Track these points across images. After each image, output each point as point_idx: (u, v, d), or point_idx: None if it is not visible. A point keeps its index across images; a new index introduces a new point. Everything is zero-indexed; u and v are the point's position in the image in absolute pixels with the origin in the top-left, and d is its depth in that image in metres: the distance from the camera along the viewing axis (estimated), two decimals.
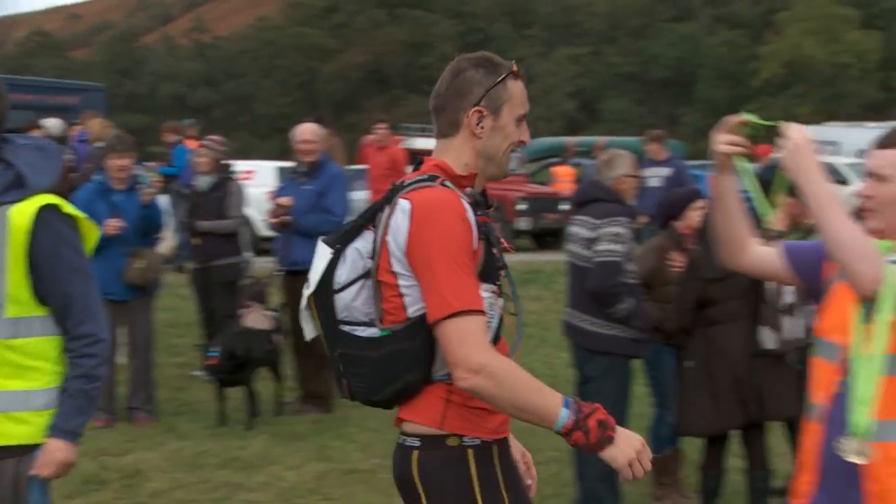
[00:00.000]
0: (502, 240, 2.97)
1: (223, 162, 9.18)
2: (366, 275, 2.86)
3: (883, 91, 61.38)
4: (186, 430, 7.94)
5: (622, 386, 6.08)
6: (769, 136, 3.15)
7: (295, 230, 8.24)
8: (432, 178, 2.84)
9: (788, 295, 5.75)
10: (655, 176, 12.74)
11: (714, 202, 3.28)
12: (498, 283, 2.90)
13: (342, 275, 2.88)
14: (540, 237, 21.70)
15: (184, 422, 8.19)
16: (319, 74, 64.38)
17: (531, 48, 69.21)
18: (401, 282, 2.80)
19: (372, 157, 15.69)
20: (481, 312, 2.73)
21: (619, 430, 2.79)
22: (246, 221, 9.96)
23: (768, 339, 5.81)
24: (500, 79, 2.89)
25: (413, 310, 2.79)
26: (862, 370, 2.96)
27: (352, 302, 2.87)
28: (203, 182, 9.12)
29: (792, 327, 5.78)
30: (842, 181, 27.98)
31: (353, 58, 63.63)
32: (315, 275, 2.91)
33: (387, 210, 2.84)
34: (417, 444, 2.85)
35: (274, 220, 8.42)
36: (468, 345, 2.68)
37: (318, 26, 67.63)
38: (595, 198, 6.12)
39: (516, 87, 2.94)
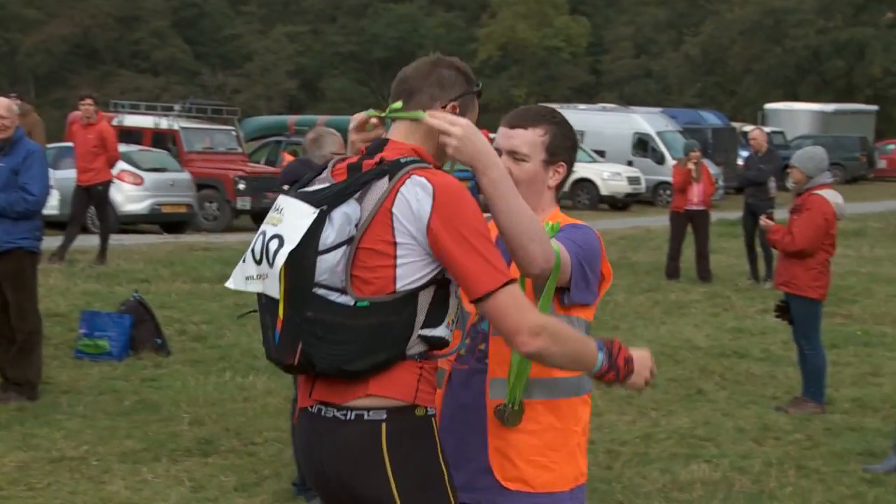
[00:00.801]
0: None
1: None
2: (349, 241, 2.83)
3: (592, 74, 64.42)
4: None
5: None
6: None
7: None
8: (425, 163, 2.92)
9: None
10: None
11: None
12: None
13: (329, 236, 2.83)
14: (261, 217, 21.51)
15: None
16: (20, 47, 61.12)
17: (248, 25, 68.26)
18: (399, 252, 2.83)
19: (78, 134, 15.10)
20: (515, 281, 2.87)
21: (634, 354, 3.03)
22: None
23: None
24: (475, 89, 3.04)
25: (403, 284, 2.83)
26: None
27: (334, 266, 2.83)
28: None
29: None
30: None
31: (58, 30, 60.69)
32: (296, 232, 2.83)
33: (383, 182, 2.85)
34: (384, 416, 2.85)
35: None
36: (525, 310, 2.82)
37: None
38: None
39: (476, 106, 3.07)
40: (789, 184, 8.87)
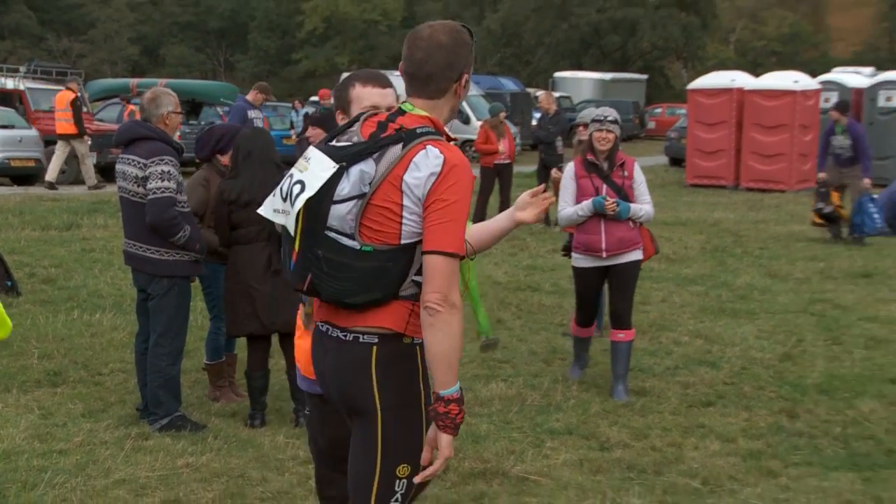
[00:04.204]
0: None
1: None
2: (361, 196, 2.91)
3: None
4: None
5: (182, 303, 6.01)
6: None
7: None
8: (438, 134, 2.97)
9: None
10: (258, 118, 14.11)
11: None
12: None
13: (345, 189, 2.93)
14: (106, 171, 20.85)
15: None
16: None
17: None
18: (405, 213, 2.89)
19: None
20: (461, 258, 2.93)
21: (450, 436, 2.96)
22: None
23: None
24: (471, 47, 3.06)
25: (406, 238, 2.90)
26: None
27: (345, 214, 2.92)
28: None
29: None
30: None
31: None
32: (316, 182, 2.93)
33: (397, 148, 2.90)
34: (376, 340, 2.97)
35: None
36: (453, 284, 2.85)
37: None
38: (141, 136, 5.87)
39: (473, 48, 3.08)
40: (575, 141, 9.03)
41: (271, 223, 5.93)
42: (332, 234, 2.93)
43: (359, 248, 2.90)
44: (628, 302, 6.89)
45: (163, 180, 5.71)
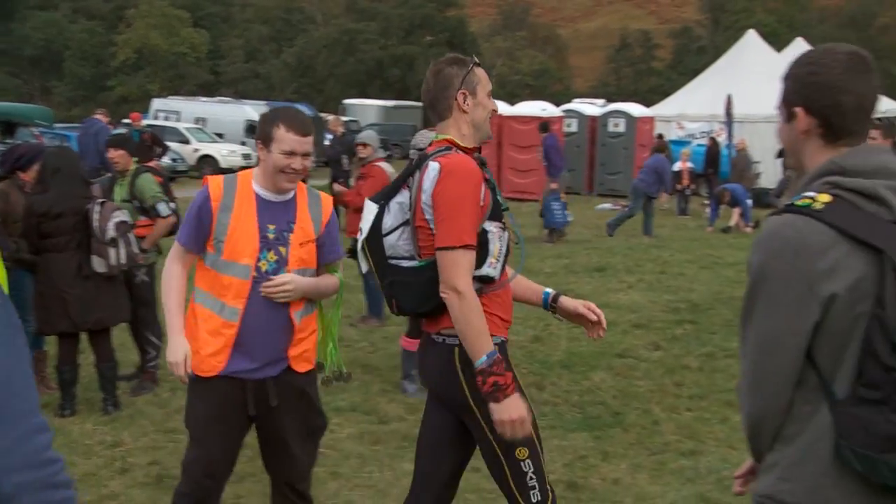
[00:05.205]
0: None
1: None
2: (406, 222, 2.95)
3: (212, 74, 62.59)
4: None
5: None
6: None
7: None
8: (449, 149, 2.93)
9: (111, 231, 5.75)
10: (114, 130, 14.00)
11: None
12: (502, 220, 2.95)
13: (388, 222, 2.97)
14: None
15: None
16: None
17: None
18: (432, 226, 2.87)
19: None
20: (472, 248, 2.82)
21: (512, 398, 2.81)
22: None
23: (98, 264, 5.78)
24: (469, 69, 2.99)
25: None
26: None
27: (396, 242, 2.96)
28: None
29: (116, 256, 5.79)
30: (184, 141, 28.22)
31: None
32: (366, 224, 3.00)
33: (418, 174, 2.92)
34: (456, 341, 2.88)
35: None
36: (458, 272, 2.79)
37: None
38: None
39: (481, 72, 3.04)
40: (356, 158, 9.03)
41: (80, 233, 5.71)
42: (394, 262, 2.97)
43: (416, 265, 2.93)
44: None
45: None
